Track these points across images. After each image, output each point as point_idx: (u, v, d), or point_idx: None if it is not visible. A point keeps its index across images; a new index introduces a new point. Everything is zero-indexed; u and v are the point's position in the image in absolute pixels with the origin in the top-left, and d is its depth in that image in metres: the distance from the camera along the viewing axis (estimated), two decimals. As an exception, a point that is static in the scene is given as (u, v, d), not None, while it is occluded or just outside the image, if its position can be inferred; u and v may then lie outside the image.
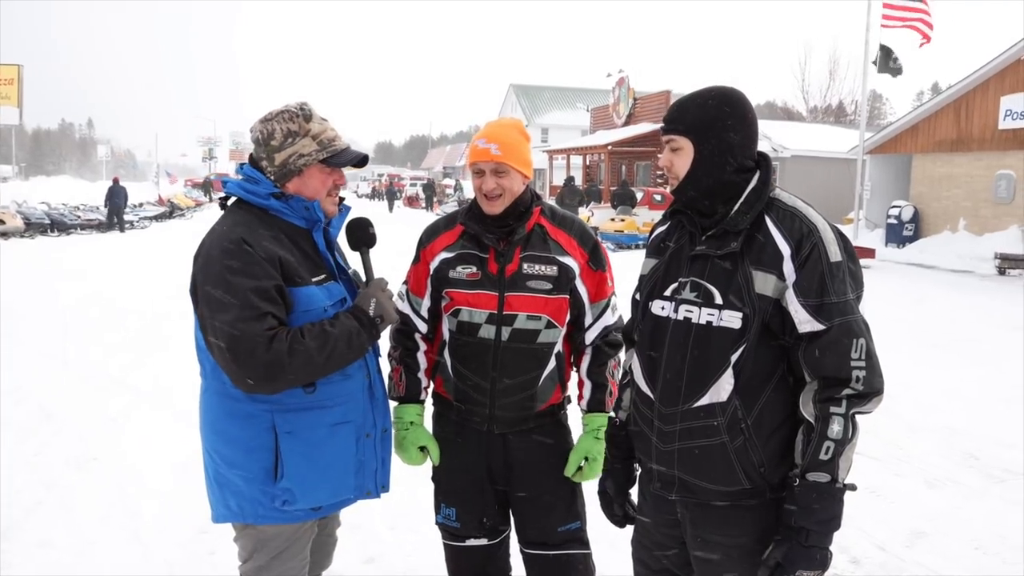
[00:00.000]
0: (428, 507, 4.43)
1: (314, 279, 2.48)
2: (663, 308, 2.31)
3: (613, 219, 23.49)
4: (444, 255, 2.82)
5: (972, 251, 19.25)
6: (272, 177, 2.51)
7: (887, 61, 19.57)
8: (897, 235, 22.21)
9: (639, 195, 26.53)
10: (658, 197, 26.05)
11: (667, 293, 2.32)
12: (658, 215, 17.26)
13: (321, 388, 2.47)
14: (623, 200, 25.45)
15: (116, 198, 28.64)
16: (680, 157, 2.24)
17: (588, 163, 40.92)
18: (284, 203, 2.50)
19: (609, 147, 35.59)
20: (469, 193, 43.54)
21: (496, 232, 2.75)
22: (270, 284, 2.35)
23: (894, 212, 22.46)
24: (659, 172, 33.81)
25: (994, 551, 4.36)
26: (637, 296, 2.48)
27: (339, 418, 2.52)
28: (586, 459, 2.82)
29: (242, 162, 2.68)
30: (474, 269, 2.74)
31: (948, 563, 4.19)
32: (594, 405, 2.87)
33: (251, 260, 2.34)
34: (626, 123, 37.87)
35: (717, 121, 2.20)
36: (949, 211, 21.39)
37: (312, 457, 2.48)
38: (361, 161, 2.61)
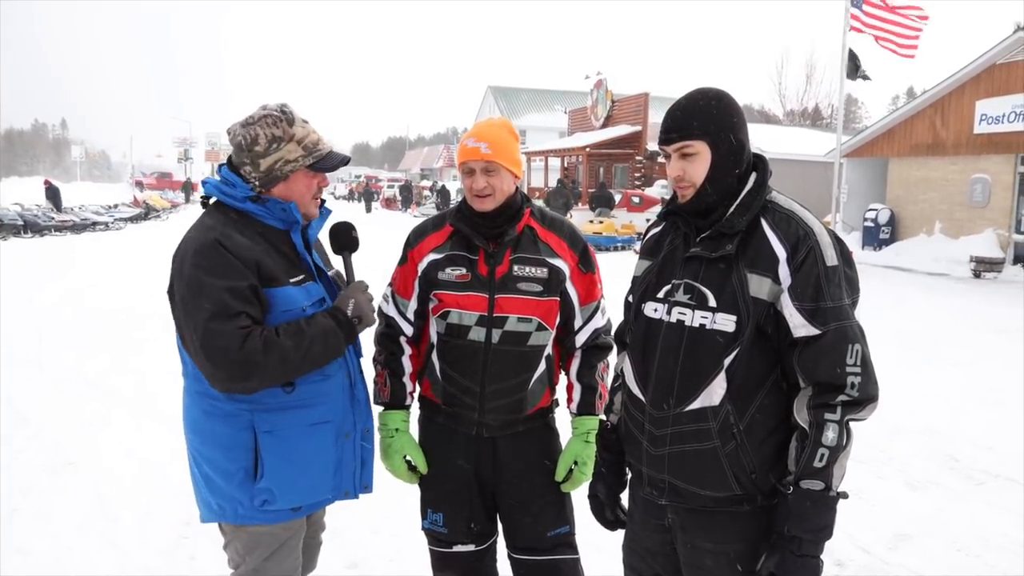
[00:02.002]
0: (412, 511, 4.40)
1: (292, 280, 2.48)
2: (656, 310, 2.29)
3: (592, 221, 23.53)
4: (433, 256, 2.78)
5: (948, 254, 19.40)
6: (257, 182, 2.50)
7: (854, 67, 19.74)
8: (874, 238, 22.37)
9: (617, 197, 26.60)
10: (636, 199, 26.11)
11: (660, 295, 2.29)
12: (636, 217, 17.31)
13: (300, 387, 2.47)
14: (601, 202, 25.51)
15: (52, 199, 30.56)
16: (695, 163, 2.18)
17: (566, 165, 40.94)
18: (261, 206, 2.50)
19: (587, 149, 35.63)
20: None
21: (486, 233, 2.72)
22: (244, 284, 2.35)
23: (871, 215, 22.62)
24: (637, 175, 33.96)
25: (976, 553, 4.38)
26: (630, 298, 2.45)
27: (318, 418, 2.52)
28: (575, 463, 2.80)
29: (221, 163, 2.67)
30: (464, 270, 2.71)
31: (931, 565, 4.21)
32: (584, 408, 2.84)
33: (224, 261, 2.35)
34: (604, 125, 37.90)
35: (727, 120, 2.18)
36: (925, 214, 21.57)
37: (291, 457, 2.47)
38: (342, 162, 2.61)
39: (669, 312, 2.24)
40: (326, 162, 2.54)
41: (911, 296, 14.37)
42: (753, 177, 2.22)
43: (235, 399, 2.41)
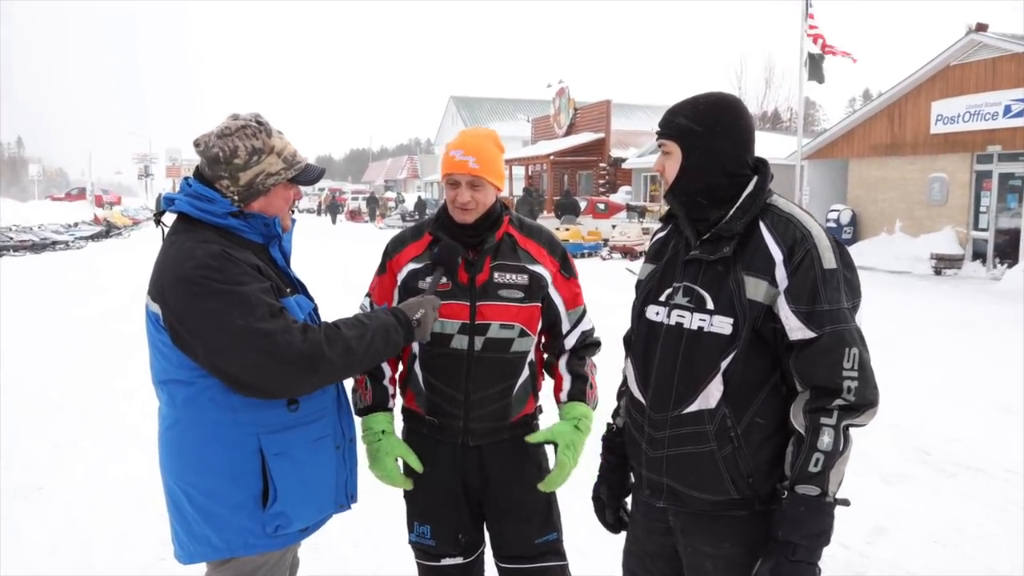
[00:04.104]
0: (392, 523, 4.38)
1: (287, 291, 2.41)
2: (657, 313, 2.29)
3: (557, 228, 23.58)
4: (412, 266, 2.77)
5: (909, 252, 19.73)
6: (236, 197, 2.37)
7: (816, 69, 20.12)
8: (836, 238, 22.65)
9: (583, 204, 26.68)
10: (601, 206, 26.23)
11: (662, 298, 2.29)
12: (602, 223, 17.47)
13: (304, 404, 2.39)
14: (567, 209, 25.59)
15: None
16: (670, 162, 2.23)
17: (530, 173, 41.05)
18: (243, 221, 2.38)
19: (551, 157, 35.76)
20: (411, 206, 43.46)
21: (466, 241, 2.72)
22: (268, 285, 2.26)
23: (833, 216, 22.91)
24: (601, 181, 34.14)
25: (953, 544, 4.45)
26: (636, 302, 2.45)
27: (318, 433, 2.45)
28: (557, 444, 2.73)
29: (186, 176, 2.52)
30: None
31: (910, 558, 4.26)
32: (575, 395, 2.80)
33: (241, 269, 2.23)
34: (567, 133, 38.07)
35: (706, 128, 2.17)
36: (885, 213, 21.89)
37: (302, 476, 2.39)
38: (320, 175, 2.55)
39: (669, 315, 2.24)
40: (306, 175, 2.47)
41: (874, 294, 14.47)
42: (755, 181, 2.21)
43: (240, 424, 2.29)
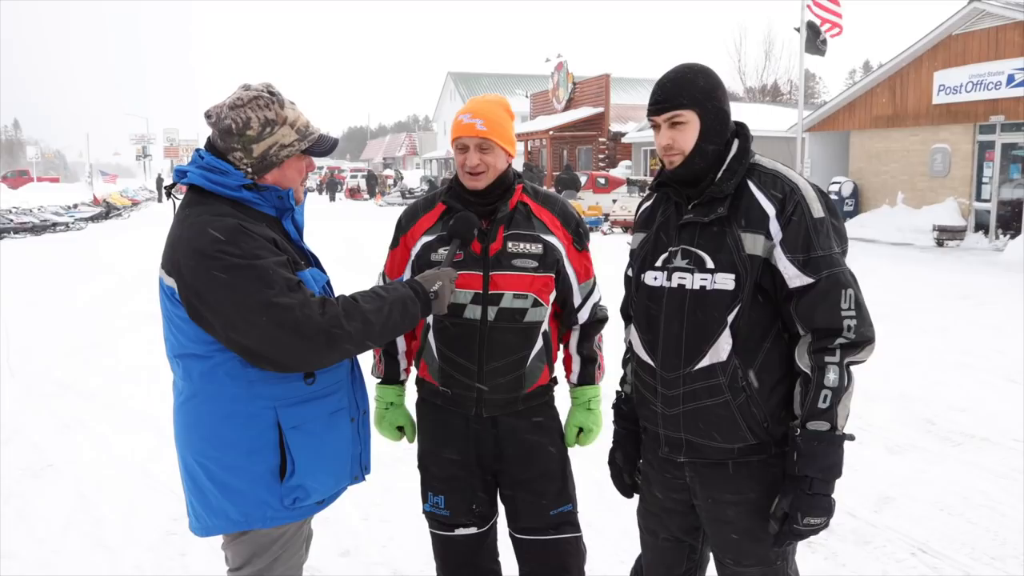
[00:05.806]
0: (401, 497, 4.42)
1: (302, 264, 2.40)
2: (656, 278, 2.38)
3: (559, 204, 23.47)
4: (425, 239, 2.76)
5: (911, 224, 19.68)
6: (250, 169, 2.34)
7: (814, 40, 19.99)
8: (838, 210, 22.59)
9: (583, 179, 26.60)
10: (602, 180, 26.13)
11: (659, 263, 2.38)
12: (603, 198, 17.44)
13: (320, 377, 2.38)
14: (568, 184, 25.51)
15: None
16: (684, 131, 2.28)
17: (529, 149, 40.92)
18: (257, 194, 2.35)
19: (550, 132, 35.62)
20: (410, 183, 43.40)
21: (479, 211, 2.70)
22: (285, 259, 2.25)
23: (834, 188, 22.84)
24: (601, 156, 34.01)
25: (958, 512, 4.47)
26: (629, 272, 2.53)
27: (334, 406, 2.44)
28: (580, 430, 2.89)
29: (197, 148, 2.48)
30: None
31: (916, 525, 4.29)
32: (584, 379, 2.92)
33: (257, 243, 2.21)
34: (566, 108, 37.89)
35: (713, 90, 2.29)
36: (887, 185, 21.82)
37: (318, 449, 2.39)
38: (334, 145, 2.53)
39: (669, 278, 2.33)
40: (320, 146, 2.44)
41: (878, 266, 14.54)
42: (737, 143, 2.34)
43: (257, 397, 2.29)
